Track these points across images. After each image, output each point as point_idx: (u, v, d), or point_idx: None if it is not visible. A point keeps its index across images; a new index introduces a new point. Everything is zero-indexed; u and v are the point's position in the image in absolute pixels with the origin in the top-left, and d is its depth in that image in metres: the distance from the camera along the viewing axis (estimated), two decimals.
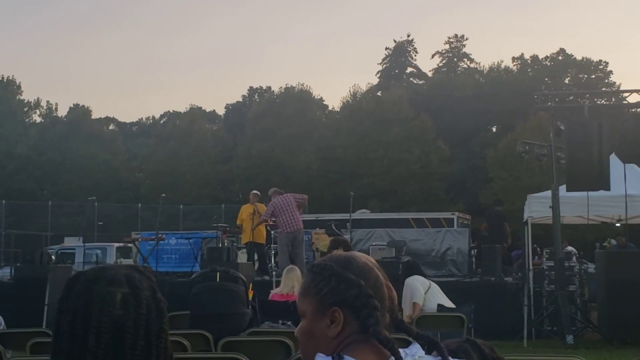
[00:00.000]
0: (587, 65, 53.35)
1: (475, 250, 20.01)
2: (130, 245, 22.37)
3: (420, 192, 42.19)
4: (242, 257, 17.11)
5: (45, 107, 64.02)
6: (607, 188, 13.50)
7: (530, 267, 15.18)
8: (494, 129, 51.47)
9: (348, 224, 18.93)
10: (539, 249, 19.31)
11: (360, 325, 1.97)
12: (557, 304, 13.92)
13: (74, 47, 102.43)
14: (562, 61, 53.64)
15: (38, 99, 64.23)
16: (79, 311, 1.98)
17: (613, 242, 20.74)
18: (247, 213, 16.86)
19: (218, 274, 7.29)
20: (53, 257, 15.78)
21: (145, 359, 1.97)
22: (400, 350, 1.97)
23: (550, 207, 14.57)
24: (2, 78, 61.88)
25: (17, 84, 62.66)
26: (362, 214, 26.05)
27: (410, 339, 2.07)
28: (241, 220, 17.19)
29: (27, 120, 62.29)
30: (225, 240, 17.93)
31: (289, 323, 7.75)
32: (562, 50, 54.23)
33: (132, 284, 2.02)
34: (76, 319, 1.97)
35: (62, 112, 61.90)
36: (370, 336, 1.94)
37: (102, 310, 1.96)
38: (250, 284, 8.12)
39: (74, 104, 60.39)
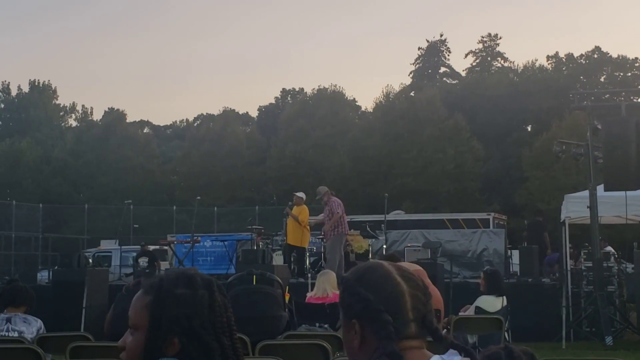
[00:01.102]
0: (623, 63, 52.74)
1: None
2: (165, 247, 22.52)
3: (454, 192, 41.94)
4: (277, 259, 17.10)
5: (80, 111, 64.88)
6: None
7: (568, 268, 15.01)
8: (529, 128, 51.03)
9: (383, 225, 18.83)
10: (573, 251, 19.05)
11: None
12: (596, 305, 13.74)
13: (108, 52, 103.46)
14: (598, 59, 53.07)
15: (74, 104, 65.15)
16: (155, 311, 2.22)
17: None
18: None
19: (255, 276, 7.28)
20: (90, 261, 15.91)
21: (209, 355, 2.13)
22: (438, 356, 2.00)
23: (588, 207, 14.39)
24: (38, 83, 62.74)
25: (53, 88, 63.56)
26: (396, 215, 25.93)
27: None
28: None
29: (63, 124, 63.12)
30: (260, 242, 17.93)
31: (326, 326, 7.72)
32: (597, 48, 53.69)
33: (193, 285, 2.21)
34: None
35: (97, 115, 62.66)
36: (379, 350, 1.94)
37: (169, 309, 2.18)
38: (287, 287, 8.10)
39: (109, 108, 61.11)
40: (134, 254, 19.91)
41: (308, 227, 16.75)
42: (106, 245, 27.25)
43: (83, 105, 66.02)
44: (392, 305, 1.99)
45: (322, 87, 53.33)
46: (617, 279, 15.21)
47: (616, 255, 16.73)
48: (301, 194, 17.12)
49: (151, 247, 21.32)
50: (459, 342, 2.04)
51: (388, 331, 1.95)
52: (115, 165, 47.42)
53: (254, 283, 7.23)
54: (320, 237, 17.79)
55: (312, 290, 10.18)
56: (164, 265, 22.75)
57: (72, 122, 64.10)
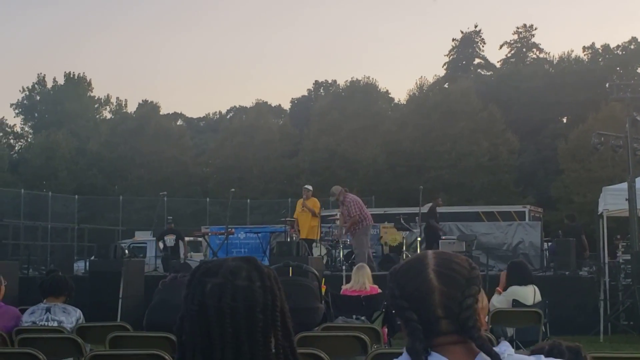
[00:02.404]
0: None
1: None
2: (200, 239, 22.61)
3: (489, 184, 41.66)
4: (314, 251, 17.09)
5: (115, 104, 65.36)
6: None
7: (606, 260, 14.82)
8: (565, 120, 50.53)
9: (417, 217, 18.73)
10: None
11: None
12: (634, 299, 13.56)
13: (142, 44, 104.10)
14: (635, 50, 52.37)
15: (108, 96, 65.66)
16: (184, 302, 2.07)
17: None
18: (299, 208, 16.83)
19: (291, 268, 7.27)
20: (126, 252, 16.00)
21: (238, 348, 1.99)
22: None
23: (626, 199, 14.18)
24: (73, 75, 63.32)
25: (88, 80, 64.08)
26: None
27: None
28: (296, 215, 17.16)
29: (97, 116, 63.64)
30: (294, 235, 17.94)
31: (362, 318, 7.69)
32: (634, 39, 52.97)
33: (225, 274, 2.05)
34: (183, 309, 2.06)
35: (131, 108, 63.11)
36: (407, 345, 1.94)
37: (192, 299, 2.02)
38: (323, 279, 8.09)
39: (142, 100, 61.54)
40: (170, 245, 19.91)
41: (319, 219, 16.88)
42: (141, 236, 27.44)
43: (117, 98, 66.60)
44: (417, 303, 1.98)
45: (354, 79, 53.27)
46: None
47: None
48: (311, 187, 17.26)
49: (186, 239, 21.37)
50: (498, 334, 2.01)
51: (411, 328, 1.95)
52: (149, 157, 47.75)
53: (291, 275, 7.22)
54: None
55: (346, 282, 10.19)
56: (198, 256, 22.87)
57: (107, 115, 64.66)
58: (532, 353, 2.03)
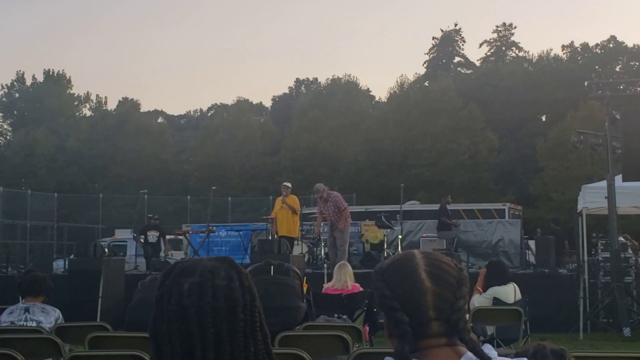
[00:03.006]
0: (639, 52, 52.33)
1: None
2: (181, 237, 22.53)
3: (468, 182, 41.83)
4: (294, 249, 17.08)
5: (95, 101, 64.92)
6: None
7: (585, 258, 14.90)
8: (544, 119, 50.79)
9: (398, 215, 18.79)
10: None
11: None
12: (614, 296, 13.65)
13: (122, 41, 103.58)
14: (613, 49, 52.73)
15: (88, 93, 65.20)
16: (158, 302, 2.02)
17: None
18: (278, 206, 16.84)
19: (272, 267, 7.25)
20: (106, 250, 15.89)
21: (219, 351, 1.94)
22: (470, 354, 1.93)
23: (605, 197, 14.27)
24: (53, 72, 62.84)
25: (68, 78, 63.59)
26: (411, 205, 25.88)
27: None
28: (274, 212, 17.14)
29: (77, 114, 63.18)
30: (275, 233, 17.92)
31: (344, 317, 7.69)
32: (613, 38, 53.36)
33: (203, 274, 2.01)
34: (156, 309, 2.02)
35: (111, 105, 62.74)
36: (394, 349, 1.90)
37: (169, 300, 1.97)
38: (305, 277, 8.07)
39: (123, 98, 61.20)
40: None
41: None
42: (121, 234, 27.31)
43: (97, 95, 66.26)
44: (409, 303, 1.93)
45: (336, 77, 53.31)
46: (635, 270, 15.08)
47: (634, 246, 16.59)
48: (289, 184, 17.27)
49: (167, 237, 21.27)
50: (477, 333, 1.99)
51: (401, 330, 1.90)
52: (129, 155, 47.51)
53: (272, 274, 7.20)
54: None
55: (328, 280, 10.19)
56: (179, 254, 22.80)
57: (87, 112, 64.19)
58: (517, 356, 2.02)
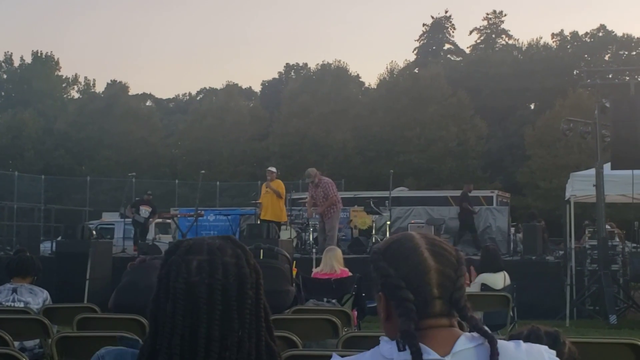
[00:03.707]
0: (628, 41, 52.49)
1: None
2: (169, 221, 22.49)
3: (457, 170, 41.92)
4: (282, 234, 17.09)
5: (83, 83, 64.61)
6: None
7: (572, 246, 14.97)
8: (532, 107, 50.92)
9: (387, 201, 18.82)
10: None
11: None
12: (600, 284, 13.71)
13: (111, 24, 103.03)
14: (603, 37, 52.84)
15: (76, 75, 64.88)
16: (162, 280, 1.99)
17: None
18: (263, 190, 16.87)
19: (262, 251, 7.24)
20: (94, 232, 15.84)
21: (227, 325, 1.93)
22: (468, 334, 1.92)
23: (594, 185, 14.32)
24: (41, 54, 62.47)
25: (56, 60, 63.25)
26: (400, 191, 25.92)
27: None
28: (261, 197, 17.18)
29: (65, 96, 62.89)
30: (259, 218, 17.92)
31: (333, 301, 7.69)
32: (602, 27, 53.43)
33: (211, 251, 2.00)
34: (160, 288, 1.99)
35: (99, 88, 62.50)
36: (399, 329, 1.87)
37: (177, 277, 1.95)
38: (294, 262, 8.07)
39: (111, 80, 60.94)
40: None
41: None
42: (108, 217, 27.23)
43: (85, 77, 65.97)
44: (414, 282, 1.91)
45: (326, 63, 53.22)
46: (622, 258, 15.16)
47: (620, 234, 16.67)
48: (274, 169, 17.29)
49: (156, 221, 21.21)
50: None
51: (406, 309, 1.88)
52: (117, 137, 47.29)
53: (262, 257, 7.19)
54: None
55: (316, 265, 10.19)
56: (167, 238, 22.75)
57: (75, 94, 63.92)
58: (511, 338, 2.01)
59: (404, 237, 2.04)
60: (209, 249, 2.00)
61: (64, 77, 64.05)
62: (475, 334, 1.93)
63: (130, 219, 20.18)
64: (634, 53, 52.00)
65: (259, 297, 2.00)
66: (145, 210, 19.61)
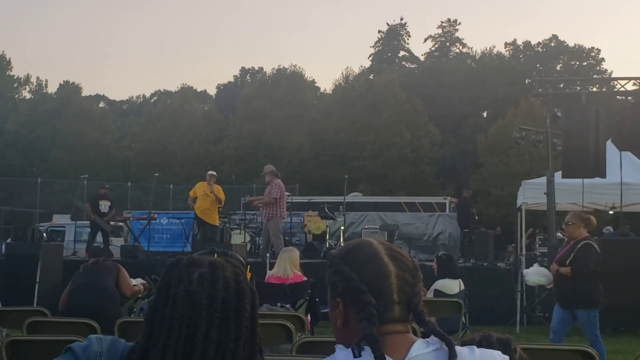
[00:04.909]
0: (579, 52, 53.37)
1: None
2: (121, 224, 22.25)
3: (410, 176, 42.18)
4: (236, 238, 17.04)
5: (35, 84, 63.64)
6: (603, 175, 13.42)
7: (523, 253, 15.17)
8: (485, 115, 51.46)
9: (341, 206, 18.86)
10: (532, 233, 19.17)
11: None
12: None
13: (64, 23, 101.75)
14: (555, 47, 53.65)
15: (28, 75, 63.88)
16: (161, 290, 2.04)
17: (608, 229, 20.72)
18: (202, 191, 16.80)
19: (216, 255, 7.19)
20: (44, 235, 15.61)
21: (224, 336, 1.97)
22: (422, 340, 1.95)
23: (545, 193, 14.53)
24: None
25: (7, 59, 62.20)
26: (354, 197, 26.00)
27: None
28: (194, 194, 17.09)
29: (16, 96, 61.87)
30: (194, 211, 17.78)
31: (287, 306, 7.69)
32: (554, 37, 54.28)
33: (212, 265, 2.06)
34: (159, 296, 2.04)
35: (52, 88, 61.58)
36: (360, 332, 1.89)
37: (178, 285, 2.01)
38: (248, 266, 8.04)
39: (64, 81, 60.06)
40: (89, 229, 19.32)
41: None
42: (59, 219, 26.85)
43: (38, 78, 64.91)
44: (376, 286, 1.93)
45: (281, 67, 53.12)
46: None
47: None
48: (215, 173, 17.36)
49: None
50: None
51: (368, 313, 1.90)
52: (69, 139, 46.63)
53: None
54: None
55: (270, 269, 10.17)
56: (118, 241, 22.50)
57: (26, 95, 62.92)
58: (463, 344, 2.04)
59: (362, 242, 2.07)
60: (210, 263, 2.07)
61: (15, 77, 63.03)
62: (430, 339, 1.95)
63: (87, 222, 19.65)
64: (585, 63, 52.92)
65: (255, 314, 2.06)
66: (104, 205, 19.13)
